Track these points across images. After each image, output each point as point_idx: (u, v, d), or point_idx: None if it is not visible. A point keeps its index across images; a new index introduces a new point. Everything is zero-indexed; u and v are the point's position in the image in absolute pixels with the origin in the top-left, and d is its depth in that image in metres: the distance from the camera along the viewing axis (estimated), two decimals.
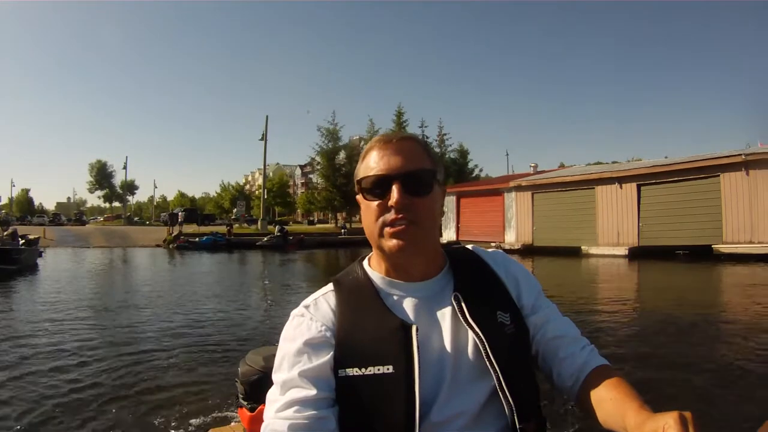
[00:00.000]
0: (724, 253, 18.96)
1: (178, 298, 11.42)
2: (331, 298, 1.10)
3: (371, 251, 1.17)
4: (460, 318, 1.04)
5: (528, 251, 26.00)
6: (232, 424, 3.39)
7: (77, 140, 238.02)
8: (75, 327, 8.18)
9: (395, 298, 1.09)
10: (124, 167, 75.84)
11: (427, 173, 1.06)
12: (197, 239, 34.23)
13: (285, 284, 15.22)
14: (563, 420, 3.85)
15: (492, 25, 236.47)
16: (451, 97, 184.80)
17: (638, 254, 21.38)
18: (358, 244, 36.00)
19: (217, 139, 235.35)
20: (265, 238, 35.40)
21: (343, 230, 46.04)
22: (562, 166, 41.07)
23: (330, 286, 1.14)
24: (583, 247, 23.86)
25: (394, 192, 1.01)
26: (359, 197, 1.10)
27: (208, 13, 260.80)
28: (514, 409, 0.99)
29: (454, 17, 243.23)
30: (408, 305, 1.07)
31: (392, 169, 1.03)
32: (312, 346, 1.02)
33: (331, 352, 1.01)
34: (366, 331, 1.03)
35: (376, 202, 1.04)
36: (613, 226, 23.32)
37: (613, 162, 35.97)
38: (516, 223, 28.01)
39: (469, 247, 1.24)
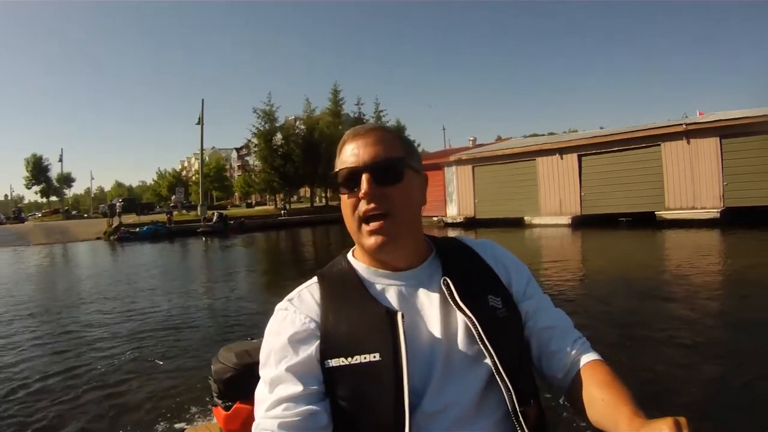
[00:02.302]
0: (667, 219, 18.90)
1: (131, 295, 10.59)
2: (315, 290, 1.05)
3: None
4: (451, 302, 1.00)
5: (470, 224, 25.54)
6: (209, 423, 3.33)
7: (9, 136, 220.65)
8: (29, 329, 7.68)
9: (380, 287, 1.03)
10: (60, 160, 71.23)
11: (397, 161, 1.01)
12: (138, 229, 32.89)
13: (230, 272, 14.41)
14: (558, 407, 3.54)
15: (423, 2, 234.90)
16: (386, 73, 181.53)
17: (581, 223, 21.12)
18: (298, 225, 36.36)
19: (151, 126, 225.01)
20: (202, 224, 34.84)
21: (282, 211, 45.45)
22: (499, 139, 40.81)
23: (314, 278, 1.08)
24: (525, 218, 23.39)
25: (363, 183, 0.98)
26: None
27: None
28: (512, 392, 0.94)
29: None
30: (393, 294, 1.03)
31: (361, 160, 1.00)
32: (297, 339, 0.97)
33: (317, 344, 0.96)
34: (351, 320, 0.98)
35: (349, 196, 1.01)
36: (555, 196, 22.90)
37: (550, 133, 35.90)
38: (457, 197, 27.24)
39: (455, 236, 1.20)
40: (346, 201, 1.02)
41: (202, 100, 44.84)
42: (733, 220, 17.17)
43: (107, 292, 11.25)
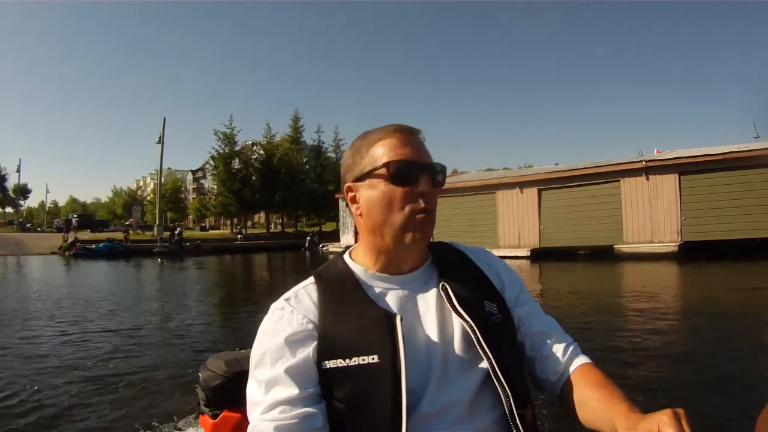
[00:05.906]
0: (625, 252, 18.64)
1: (94, 312, 9.50)
2: (312, 291, 1.00)
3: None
4: (449, 307, 0.97)
5: None
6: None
7: None
8: None
9: (378, 290, 1.00)
10: (18, 170, 66.25)
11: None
12: (94, 246, 31.00)
13: (187, 295, 13.06)
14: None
15: (386, 32, 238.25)
16: (346, 104, 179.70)
17: (540, 255, 20.60)
18: (255, 250, 34.98)
19: (108, 143, 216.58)
20: (158, 243, 33.45)
21: (239, 236, 44.17)
22: (455, 172, 40.69)
23: (311, 279, 1.04)
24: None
25: (427, 181, 0.96)
26: (370, 182, 0.98)
27: (103, 11, 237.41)
28: (510, 395, 0.92)
29: (349, 22, 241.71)
30: (391, 297, 0.99)
31: (422, 158, 0.98)
32: (295, 340, 0.92)
33: (314, 345, 0.92)
34: (349, 322, 0.94)
35: (402, 189, 0.96)
36: (515, 229, 22.44)
37: (505, 168, 36.11)
38: None
39: (448, 241, 1.17)
40: (396, 193, 0.95)
41: (164, 118, 41.37)
42: (691, 253, 17.08)
43: (70, 307, 10.18)
